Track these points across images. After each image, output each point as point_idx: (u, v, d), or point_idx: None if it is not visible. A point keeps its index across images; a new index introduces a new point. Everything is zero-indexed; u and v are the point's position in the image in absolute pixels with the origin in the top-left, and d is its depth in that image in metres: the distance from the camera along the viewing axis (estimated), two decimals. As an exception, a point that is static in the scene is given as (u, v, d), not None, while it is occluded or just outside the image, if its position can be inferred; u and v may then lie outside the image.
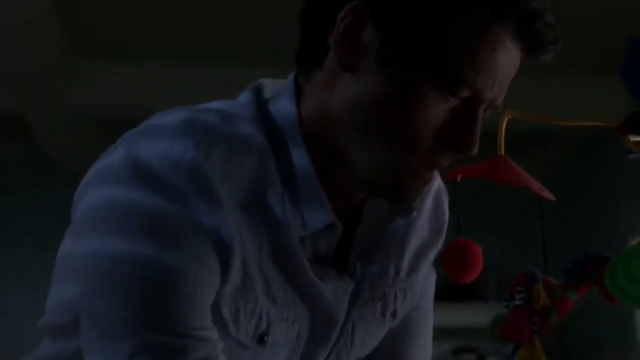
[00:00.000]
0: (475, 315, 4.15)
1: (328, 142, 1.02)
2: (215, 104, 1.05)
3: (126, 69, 4.26)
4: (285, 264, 1.03)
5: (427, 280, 1.32)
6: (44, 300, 1.06)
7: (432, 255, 1.28)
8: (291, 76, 1.07)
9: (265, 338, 1.04)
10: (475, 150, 0.97)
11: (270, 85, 1.08)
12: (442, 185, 1.28)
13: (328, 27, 0.99)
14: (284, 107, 1.04)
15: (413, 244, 1.22)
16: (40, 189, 5.37)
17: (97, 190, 0.94)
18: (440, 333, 1.68)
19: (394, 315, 1.23)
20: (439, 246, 1.28)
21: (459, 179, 1.13)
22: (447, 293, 3.06)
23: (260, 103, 1.05)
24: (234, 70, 3.84)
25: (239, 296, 1.00)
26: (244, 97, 1.06)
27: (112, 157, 0.95)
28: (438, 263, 1.28)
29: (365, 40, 0.97)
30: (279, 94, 1.06)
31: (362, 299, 1.16)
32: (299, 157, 1.01)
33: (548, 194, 1.13)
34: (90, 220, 0.93)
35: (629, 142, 1.16)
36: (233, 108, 1.03)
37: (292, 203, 1.01)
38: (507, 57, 0.96)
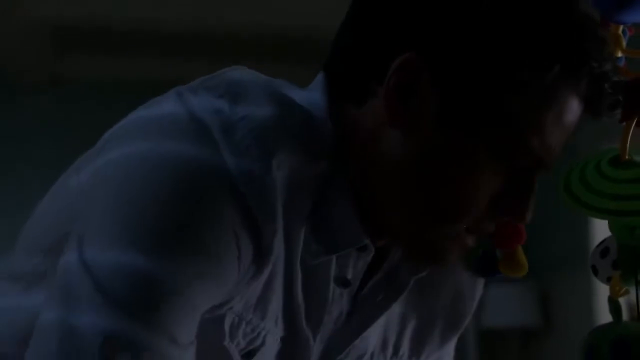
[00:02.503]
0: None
1: (366, 190, 0.94)
2: (294, 96, 0.94)
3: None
4: (309, 284, 0.97)
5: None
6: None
7: (439, 348, 1.17)
8: (330, 136, 0.93)
9: (253, 355, 1.00)
10: (528, 219, 0.91)
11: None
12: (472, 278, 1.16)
13: (376, 69, 0.90)
14: (338, 192, 0.94)
15: (413, 323, 1.13)
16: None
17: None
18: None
19: None
20: (447, 343, 1.18)
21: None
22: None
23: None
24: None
25: (249, 312, 0.95)
26: (317, 99, 0.94)
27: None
28: None
29: (421, 98, 0.88)
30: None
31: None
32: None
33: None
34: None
35: None
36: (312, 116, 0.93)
37: (318, 234, 0.93)
38: (573, 120, 0.91)
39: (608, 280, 1.04)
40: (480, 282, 1.16)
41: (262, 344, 0.99)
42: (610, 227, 1.03)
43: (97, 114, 2.78)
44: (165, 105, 0.87)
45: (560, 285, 4.85)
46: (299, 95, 0.94)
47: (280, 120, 0.87)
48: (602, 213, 1.00)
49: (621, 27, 1.13)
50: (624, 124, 1.00)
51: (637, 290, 0.98)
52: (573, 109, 0.90)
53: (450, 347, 1.21)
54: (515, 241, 1.04)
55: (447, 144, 0.88)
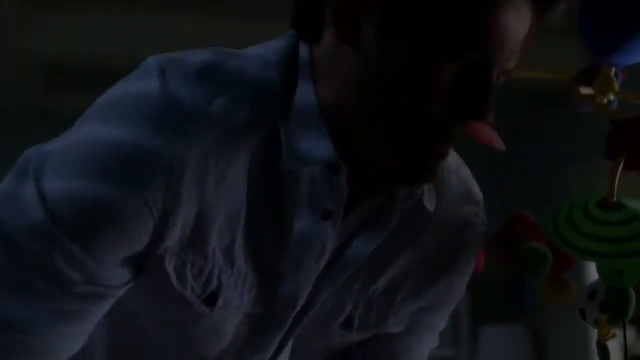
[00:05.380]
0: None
1: (338, 115, 0.96)
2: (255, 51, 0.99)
3: (75, 16, 4.18)
4: (275, 209, 0.98)
5: (428, 312, 1.19)
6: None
7: (432, 286, 1.15)
8: (305, 50, 0.99)
9: (216, 299, 0.99)
10: (489, 118, 0.92)
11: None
12: (475, 221, 1.16)
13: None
14: (305, 96, 0.97)
15: (405, 259, 1.11)
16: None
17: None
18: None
19: (346, 325, 1.12)
20: (444, 282, 1.16)
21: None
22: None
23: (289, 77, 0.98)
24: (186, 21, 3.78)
25: (187, 251, 0.95)
26: (275, 73, 0.98)
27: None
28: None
29: (364, 11, 0.91)
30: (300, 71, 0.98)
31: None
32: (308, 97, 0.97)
33: (499, 144, 1.11)
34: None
35: (579, 94, 1.16)
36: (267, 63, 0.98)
37: (287, 136, 0.95)
38: (516, 15, 0.90)
39: (596, 322, 1.04)
40: (477, 237, 1.16)
41: (219, 285, 0.98)
42: (598, 269, 1.04)
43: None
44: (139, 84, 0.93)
45: (554, 326, 4.84)
46: (265, 48, 1.01)
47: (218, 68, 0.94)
48: (589, 255, 1.00)
49: (613, 70, 1.13)
50: (612, 167, 1.01)
51: (624, 332, 0.98)
52: (513, 2, 0.90)
53: (428, 319, 1.21)
54: (567, 264, 1.06)
55: (393, 50, 0.90)
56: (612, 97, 1.09)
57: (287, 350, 1.10)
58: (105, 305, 0.96)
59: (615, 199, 1.02)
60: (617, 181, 1.03)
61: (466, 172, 1.16)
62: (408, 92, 0.91)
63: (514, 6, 0.90)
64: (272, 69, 0.97)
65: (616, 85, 1.15)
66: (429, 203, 1.06)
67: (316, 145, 0.96)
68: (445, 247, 1.14)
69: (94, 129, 0.91)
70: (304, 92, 0.96)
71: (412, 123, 0.92)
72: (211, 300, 0.99)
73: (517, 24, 0.91)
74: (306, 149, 0.96)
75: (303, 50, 0.99)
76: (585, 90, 1.16)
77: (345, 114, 0.96)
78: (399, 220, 1.05)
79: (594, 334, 1.11)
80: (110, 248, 0.90)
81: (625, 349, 0.94)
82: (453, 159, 1.13)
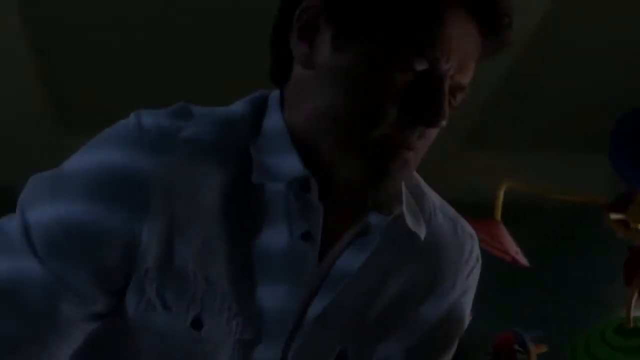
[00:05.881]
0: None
1: (312, 147, 1.01)
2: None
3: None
4: (248, 229, 1.01)
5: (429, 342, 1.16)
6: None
7: (433, 308, 1.14)
8: (277, 92, 1.06)
9: (201, 323, 1.01)
10: (442, 122, 0.97)
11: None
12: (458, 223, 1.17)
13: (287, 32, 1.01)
14: (273, 121, 1.04)
15: (396, 283, 1.11)
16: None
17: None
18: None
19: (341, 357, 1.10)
20: (441, 303, 1.14)
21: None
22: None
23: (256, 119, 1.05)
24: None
25: (166, 274, 0.98)
26: (242, 109, 1.06)
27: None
28: None
29: (320, 34, 0.99)
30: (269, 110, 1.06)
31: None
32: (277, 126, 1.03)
33: (522, 260, 1.15)
34: None
35: (610, 219, 1.18)
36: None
37: (256, 154, 1.00)
38: (460, 28, 0.97)
39: None
40: (473, 267, 1.17)
41: (203, 309, 1.01)
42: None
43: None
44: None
45: None
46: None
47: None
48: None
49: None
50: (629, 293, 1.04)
51: None
52: (456, 16, 0.97)
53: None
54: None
55: (347, 62, 0.97)
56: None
57: None
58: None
59: (632, 325, 1.04)
60: (633, 307, 1.05)
61: (452, 211, 1.18)
62: (363, 100, 0.97)
63: (458, 20, 0.97)
64: (239, 107, 1.04)
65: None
66: (417, 229, 1.08)
67: (284, 161, 1.00)
68: (441, 272, 1.13)
69: (77, 157, 0.99)
70: (272, 119, 1.03)
71: (370, 128, 0.97)
72: (197, 324, 1.01)
73: (462, 37, 0.97)
74: (274, 164, 1.00)
75: (275, 91, 1.06)
76: (616, 216, 1.19)
77: (310, 130, 1.00)
78: (387, 243, 1.07)
79: None
80: (81, 263, 0.95)
81: None
82: (436, 199, 1.16)
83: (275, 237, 1.02)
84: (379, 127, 0.96)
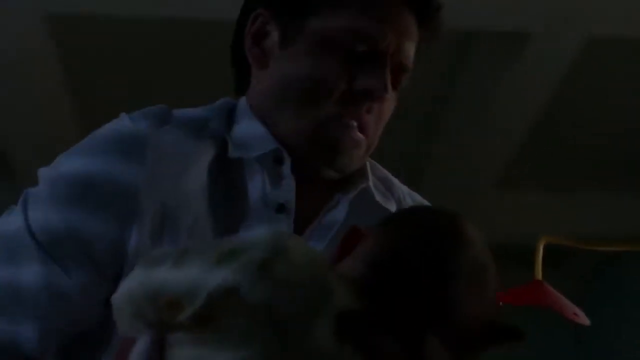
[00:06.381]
0: None
1: (276, 126, 1.12)
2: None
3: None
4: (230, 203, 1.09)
5: None
6: None
7: None
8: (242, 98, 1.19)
9: None
10: (385, 94, 1.08)
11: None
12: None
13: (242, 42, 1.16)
14: (242, 110, 1.16)
15: None
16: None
17: None
18: None
19: None
20: None
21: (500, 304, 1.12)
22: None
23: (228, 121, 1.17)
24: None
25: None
26: (215, 107, 1.18)
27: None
28: None
29: (269, 37, 1.13)
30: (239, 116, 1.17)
31: None
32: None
33: (583, 319, 1.11)
34: None
35: None
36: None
37: (234, 136, 1.12)
38: (395, 15, 1.10)
39: None
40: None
41: None
42: None
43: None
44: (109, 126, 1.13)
45: None
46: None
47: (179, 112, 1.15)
48: None
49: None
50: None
51: None
52: (395, 6, 1.10)
53: None
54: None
55: (293, 54, 1.11)
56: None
57: None
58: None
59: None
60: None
61: (420, 197, 1.27)
62: (312, 82, 1.09)
63: (392, 5, 1.11)
64: (211, 108, 1.17)
65: None
66: (387, 204, 1.17)
67: (256, 137, 1.11)
68: None
69: (67, 160, 1.10)
70: (241, 110, 1.15)
71: (320, 105, 1.09)
72: None
73: (397, 21, 1.10)
74: (248, 140, 1.11)
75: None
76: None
77: (273, 114, 1.12)
78: (356, 218, 1.11)
79: None
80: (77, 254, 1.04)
81: None
82: (405, 188, 1.25)
83: (254, 212, 1.10)
84: (328, 103, 1.09)
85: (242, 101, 1.17)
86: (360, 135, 1.10)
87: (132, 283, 0.73)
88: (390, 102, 1.13)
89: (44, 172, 1.10)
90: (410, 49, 1.12)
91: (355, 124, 1.09)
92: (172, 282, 0.69)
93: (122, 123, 1.10)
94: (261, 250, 0.69)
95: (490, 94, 3.88)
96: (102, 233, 1.03)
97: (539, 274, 1.18)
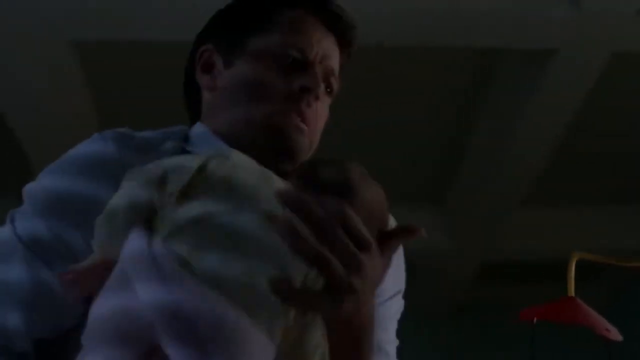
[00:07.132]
0: None
1: (229, 132, 1.27)
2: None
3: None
4: None
5: None
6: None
7: None
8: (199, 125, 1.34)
9: None
10: (318, 88, 1.26)
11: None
12: None
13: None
14: (198, 129, 1.31)
15: None
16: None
17: None
18: None
19: None
20: None
21: (534, 320, 1.12)
22: None
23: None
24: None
25: None
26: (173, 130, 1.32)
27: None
28: None
29: (215, 66, 1.32)
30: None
31: None
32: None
33: (615, 335, 1.11)
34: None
35: None
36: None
37: (192, 148, 1.26)
38: (316, 31, 1.30)
39: None
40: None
41: None
42: None
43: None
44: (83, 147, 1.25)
45: None
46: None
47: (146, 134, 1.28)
48: None
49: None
50: None
51: None
52: (305, 19, 1.31)
53: None
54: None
55: (239, 69, 1.29)
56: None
57: None
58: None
59: None
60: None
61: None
62: (258, 88, 1.26)
63: (311, 23, 1.30)
64: (166, 130, 1.30)
65: None
66: None
67: (213, 146, 1.24)
68: None
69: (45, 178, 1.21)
70: (197, 128, 1.31)
71: (266, 105, 1.25)
72: None
73: (320, 35, 1.30)
74: (201, 144, 1.26)
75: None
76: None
77: (227, 129, 1.27)
78: None
79: None
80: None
81: None
82: None
83: None
84: (272, 101, 1.25)
85: (197, 126, 1.32)
86: (302, 124, 1.26)
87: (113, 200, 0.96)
88: (325, 101, 1.32)
89: (27, 188, 1.21)
90: (334, 57, 1.32)
91: (297, 116, 1.26)
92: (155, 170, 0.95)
93: (92, 144, 1.22)
94: (219, 153, 0.97)
95: (518, 110, 3.87)
96: (80, 240, 1.12)
97: (571, 290, 1.18)
